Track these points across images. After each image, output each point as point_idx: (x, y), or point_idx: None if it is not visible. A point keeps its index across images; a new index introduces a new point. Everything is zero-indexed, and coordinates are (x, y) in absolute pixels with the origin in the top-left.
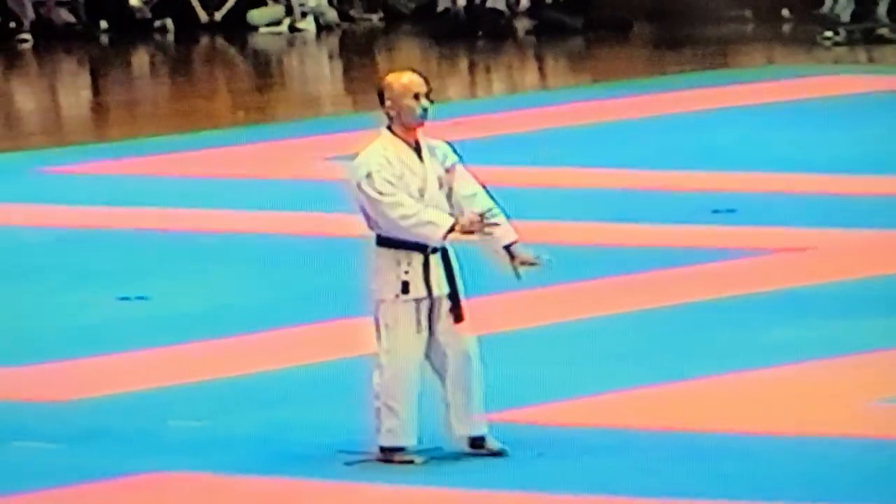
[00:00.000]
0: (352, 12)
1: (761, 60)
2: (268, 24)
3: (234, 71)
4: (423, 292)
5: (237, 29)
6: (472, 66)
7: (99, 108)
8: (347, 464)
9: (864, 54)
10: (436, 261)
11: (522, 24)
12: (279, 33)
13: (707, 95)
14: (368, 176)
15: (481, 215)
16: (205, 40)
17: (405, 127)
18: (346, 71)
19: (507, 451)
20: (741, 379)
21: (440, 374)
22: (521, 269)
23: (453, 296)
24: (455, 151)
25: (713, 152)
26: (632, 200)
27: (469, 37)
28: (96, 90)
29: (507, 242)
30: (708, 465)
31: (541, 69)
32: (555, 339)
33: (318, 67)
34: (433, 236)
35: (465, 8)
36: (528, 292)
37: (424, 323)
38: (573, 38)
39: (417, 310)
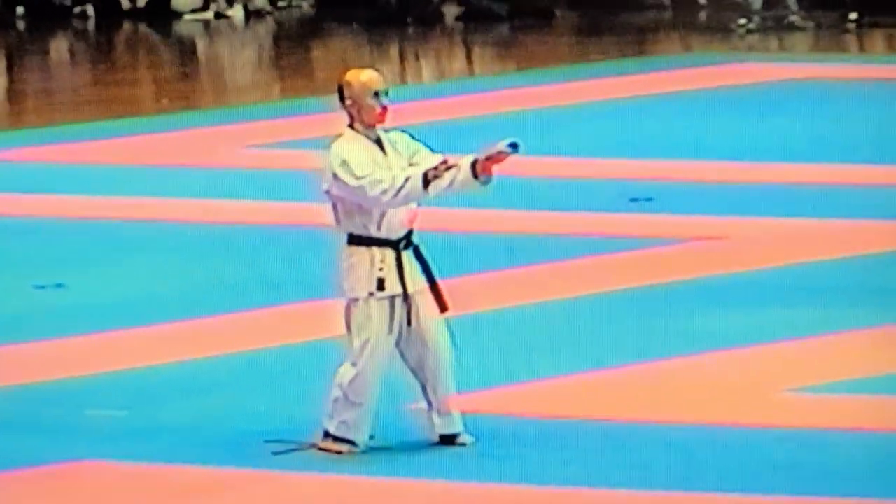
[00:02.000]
0: None
1: (679, 48)
2: (192, 11)
3: (158, 58)
4: (398, 289)
5: (161, 16)
6: (401, 53)
7: (16, 95)
8: (275, 453)
9: (777, 42)
10: (408, 257)
11: (451, 11)
12: (205, 20)
13: (627, 83)
14: (344, 163)
15: (442, 162)
16: (127, 27)
17: (365, 124)
18: (273, 58)
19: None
20: (658, 368)
21: (417, 370)
22: (496, 166)
23: (434, 288)
24: (414, 138)
25: (632, 140)
26: (551, 189)
27: (399, 23)
28: (12, 77)
29: (471, 161)
30: (627, 455)
31: (468, 56)
32: (474, 328)
33: (245, 54)
34: (415, 191)
35: None
36: (448, 282)
37: (397, 321)
38: (499, 25)
39: (391, 307)
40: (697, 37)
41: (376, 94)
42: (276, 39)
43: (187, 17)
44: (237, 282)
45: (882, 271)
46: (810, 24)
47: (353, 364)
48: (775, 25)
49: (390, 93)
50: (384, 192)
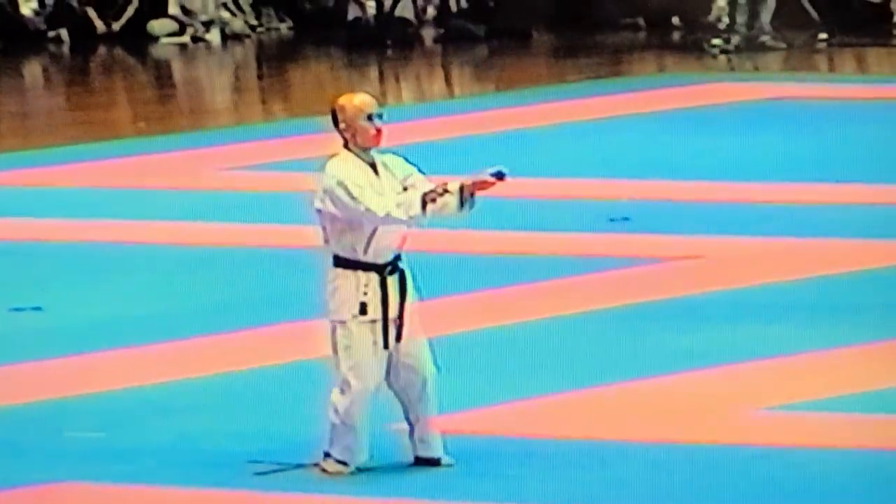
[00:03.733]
0: (260, 21)
1: (653, 68)
2: (169, 35)
3: (134, 81)
4: (378, 314)
5: (137, 39)
6: (381, 75)
7: None
8: (258, 474)
9: (750, 62)
10: (392, 282)
11: (429, 33)
12: (182, 44)
13: (602, 104)
14: (341, 183)
15: (441, 185)
16: (102, 51)
17: (360, 147)
18: (252, 81)
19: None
20: (636, 387)
21: (399, 392)
22: (481, 192)
23: (399, 317)
24: (409, 161)
25: (608, 160)
26: (529, 209)
27: (378, 45)
28: None
29: (458, 187)
30: (606, 473)
31: (447, 78)
32: (454, 349)
33: (223, 77)
34: (415, 214)
35: (375, 17)
36: (428, 302)
37: (380, 343)
38: (478, 46)
39: (373, 331)
40: (672, 57)
41: (370, 117)
42: (255, 62)
43: (164, 40)
44: (216, 304)
45: (856, 290)
46: (782, 44)
47: (342, 390)
48: (748, 46)
49: (384, 115)
50: (380, 213)
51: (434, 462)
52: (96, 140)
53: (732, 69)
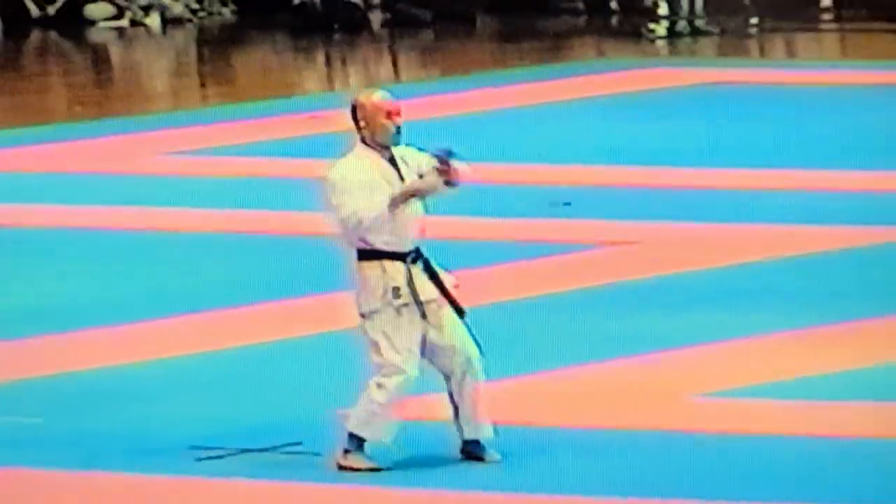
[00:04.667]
0: (202, 5)
1: (593, 53)
2: (107, 19)
3: (70, 66)
4: (409, 298)
5: (73, 24)
6: (328, 60)
7: None
8: (200, 459)
9: (685, 47)
10: (417, 270)
11: (377, 17)
12: (120, 28)
13: (544, 89)
14: (334, 188)
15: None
16: (37, 35)
17: (380, 144)
18: (193, 66)
19: (501, 459)
20: (573, 373)
21: (445, 375)
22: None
23: (447, 296)
24: (422, 150)
25: (550, 145)
26: (471, 194)
27: (325, 30)
28: None
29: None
30: (543, 460)
31: (394, 62)
32: None
33: (163, 62)
34: (378, 214)
35: (322, 1)
36: None
37: (418, 324)
38: (424, 31)
39: (410, 312)
40: (611, 42)
41: (388, 115)
42: (196, 47)
43: (101, 24)
44: (154, 288)
45: (792, 276)
46: (715, 29)
47: (387, 372)
48: (683, 31)
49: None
50: (349, 219)
51: (477, 446)
52: (30, 124)
53: (669, 54)
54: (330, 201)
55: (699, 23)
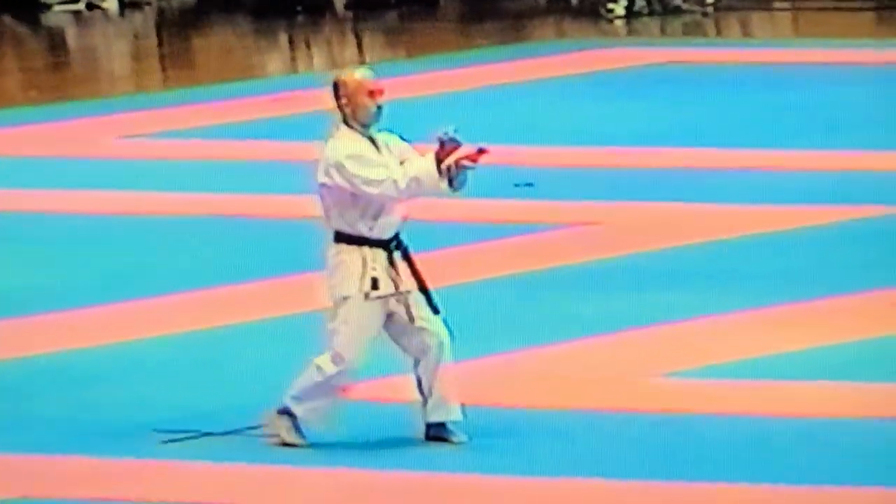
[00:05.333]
0: None
1: (553, 33)
2: (62, 3)
3: (25, 50)
4: (391, 289)
5: (27, 7)
6: (291, 42)
7: None
8: (165, 442)
9: (642, 27)
10: (398, 257)
11: None
12: (76, 11)
13: (506, 69)
14: (351, 157)
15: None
16: None
17: (360, 122)
18: (152, 48)
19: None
20: (537, 354)
21: (415, 358)
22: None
23: (424, 290)
24: (403, 139)
25: (512, 126)
26: None
27: (288, 11)
28: None
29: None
30: (509, 441)
31: (359, 44)
32: None
33: (121, 45)
34: (432, 181)
35: None
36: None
37: (394, 316)
38: (387, 13)
39: (384, 305)
40: (570, 22)
41: (371, 94)
42: (155, 30)
43: (56, 8)
44: (114, 272)
45: (753, 255)
46: (696, 7)
47: (334, 358)
48: (642, 11)
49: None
50: (396, 184)
51: (442, 428)
52: None
53: (628, 34)
54: (352, 177)
55: (678, 2)
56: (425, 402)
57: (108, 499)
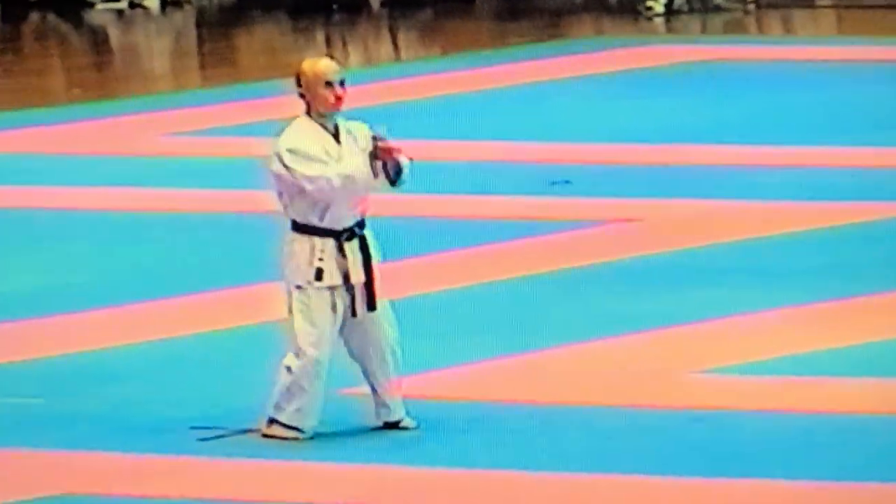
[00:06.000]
0: None
1: (591, 31)
2: (105, 1)
3: (69, 48)
4: (337, 280)
5: (71, 6)
6: (328, 40)
7: None
8: (201, 439)
9: (683, 24)
10: (351, 248)
11: None
12: (119, 10)
13: (543, 67)
14: (291, 151)
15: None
16: (35, 18)
17: (320, 112)
18: (193, 46)
19: (417, 427)
20: (575, 351)
21: (358, 358)
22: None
23: (368, 284)
24: (373, 128)
25: (550, 124)
26: (471, 173)
27: (325, 10)
28: None
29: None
30: (547, 438)
31: (394, 41)
32: (399, 313)
33: (163, 43)
34: (364, 178)
35: None
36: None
37: (340, 308)
38: (423, 10)
39: (332, 295)
40: (609, 20)
41: (329, 84)
42: (195, 28)
43: (99, 6)
44: (155, 269)
45: (793, 252)
46: (737, 5)
47: (297, 353)
48: (682, 8)
49: (345, 81)
50: (329, 182)
51: (395, 424)
52: (29, 107)
53: (667, 32)
54: (293, 171)
55: (696, 1)
56: (374, 395)
57: (147, 496)
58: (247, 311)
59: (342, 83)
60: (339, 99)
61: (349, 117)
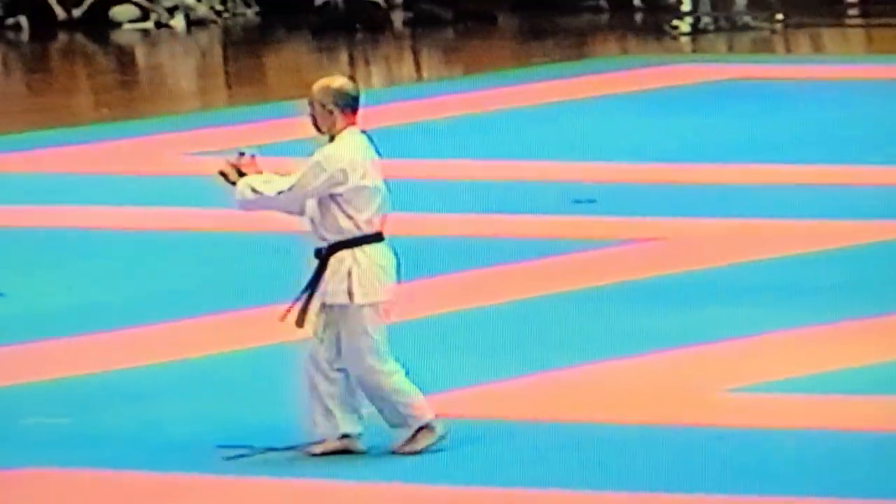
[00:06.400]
0: (226, 6)
1: (616, 50)
2: (132, 21)
3: (96, 68)
4: (320, 298)
5: (98, 26)
6: (351, 59)
7: None
8: (228, 458)
9: (709, 43)
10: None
11: (398, 16)
12: (145, 30)
13: (567, 86)
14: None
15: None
16: (63, 38)
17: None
18: (218, 66)
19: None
20: (600, 369)
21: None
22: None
23: (306, 302)
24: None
25: (573, 143)
26: (496, 192)
27: (347, 29)
28: None
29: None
30: (573, 455)
31: (416, 61)
32: (421, 332)
33: (188, 63)
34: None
35: (344, 0)
36: (398, 286)
37: (320, 328)
38: (445, 29)
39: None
40: (634, 39)
41: (309, 103)
42: (221, 48)
43: (126, 26)
44: (180, 288)
45: (818, 270)
46: (765, 24)
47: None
48: (708, 27)
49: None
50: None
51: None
52: (57, 126)
53: (693, 51)
54: None
55: (746, 19)
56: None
57: None
58: (271, 329)
59: (311, 103)
60: (312, 116)
61: (371, 137)
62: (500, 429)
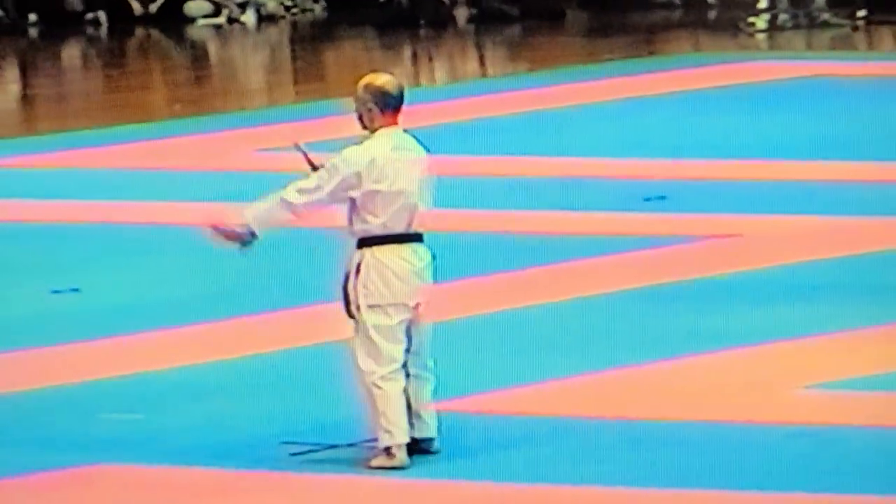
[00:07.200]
0: (294, 2)
1: (688, 47)
2: (205, 17)
3: (170, 63)
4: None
5: (173, 21)
6: (414, 55)
7: (29, 101)
8: (294, 454)
9: (786, 40)
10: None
11: (463, 13)
12: (218, 25)
13: (637, 83)
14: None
15: None
16: (139, 33)
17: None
18: (285, 62)
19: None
20: (673, 366)
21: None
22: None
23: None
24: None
25: (644, 140)
26: (565, 189)
27: (411, 26)
28: (26, 84)
29: None
30: (643, 454)
31: (480, 57)
32: (488, 328)
33: (258, 59)
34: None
35: None
36: (464, 282)
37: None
38: (510, 26)
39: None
40: (706, 36)
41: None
42: (289, 43)
43: (200, 22)
44: (250, 285)
45: (894, 268)
46: (845, 21)
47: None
48: (785, 24)
49: (403, 97)
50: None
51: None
52: (132, 122)
53: (768, 48)
54: None
55: (826, 16)
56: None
57: None
58: (335, 326)
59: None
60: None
61: (431, 135)
62: (567, 426)
